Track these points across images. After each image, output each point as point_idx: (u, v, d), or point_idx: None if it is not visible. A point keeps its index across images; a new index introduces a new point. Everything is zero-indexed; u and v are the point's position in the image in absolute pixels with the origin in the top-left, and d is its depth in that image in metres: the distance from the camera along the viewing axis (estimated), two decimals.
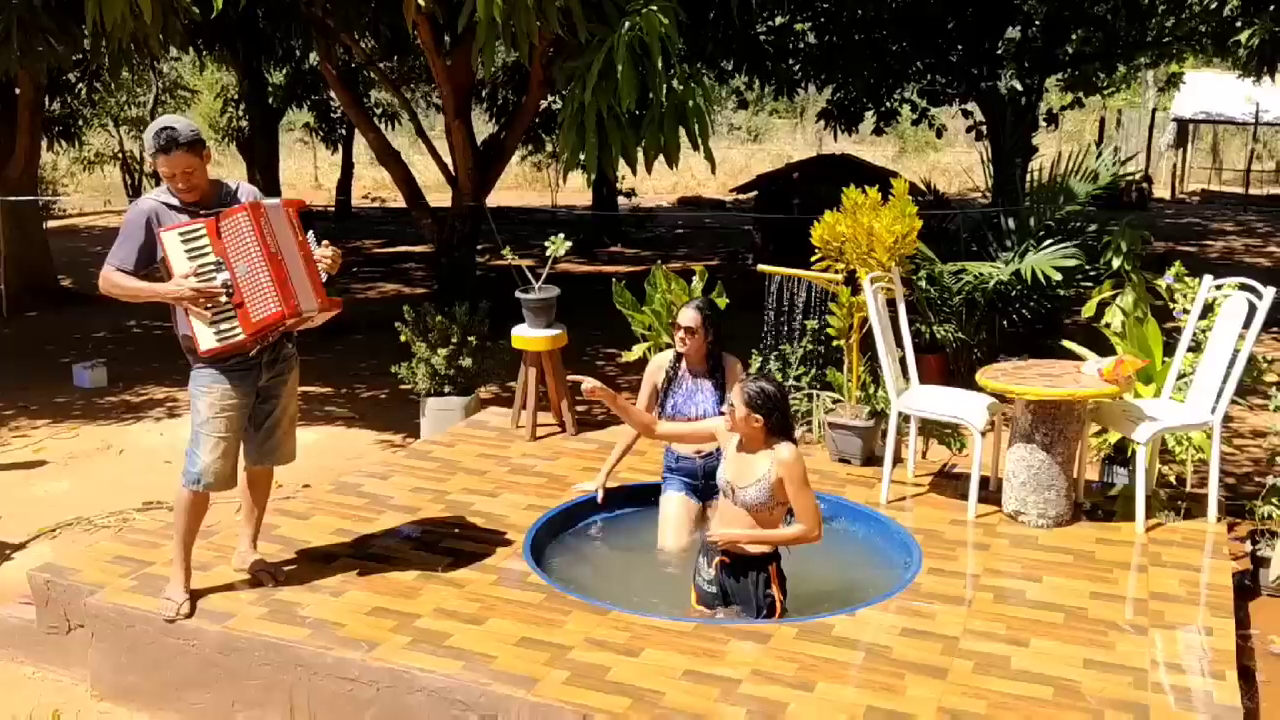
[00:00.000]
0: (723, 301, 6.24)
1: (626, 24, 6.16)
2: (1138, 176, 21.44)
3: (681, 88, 6.43)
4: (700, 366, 4.97)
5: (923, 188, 11.24)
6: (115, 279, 3.93)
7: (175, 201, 3.95)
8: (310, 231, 4.08)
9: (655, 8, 6.17)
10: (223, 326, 3.88)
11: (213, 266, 3.86)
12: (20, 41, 8.11)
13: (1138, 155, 24.41)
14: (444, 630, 3.94)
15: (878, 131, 14.87)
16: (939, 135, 15.42)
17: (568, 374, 6.25)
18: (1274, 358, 6.08)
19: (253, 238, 3.85)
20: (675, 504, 4.92)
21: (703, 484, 4.89)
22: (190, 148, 3.86)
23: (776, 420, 4.03)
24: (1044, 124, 13.81)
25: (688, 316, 4.92)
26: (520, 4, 6.10)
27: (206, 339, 3.88)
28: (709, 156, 6.77)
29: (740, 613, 4.13)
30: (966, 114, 13.90)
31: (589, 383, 4.32)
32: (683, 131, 6.63)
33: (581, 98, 6.33)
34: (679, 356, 4.99)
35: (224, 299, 3.86)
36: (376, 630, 3.93)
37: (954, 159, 26.38)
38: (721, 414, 4.66)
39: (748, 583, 4.11)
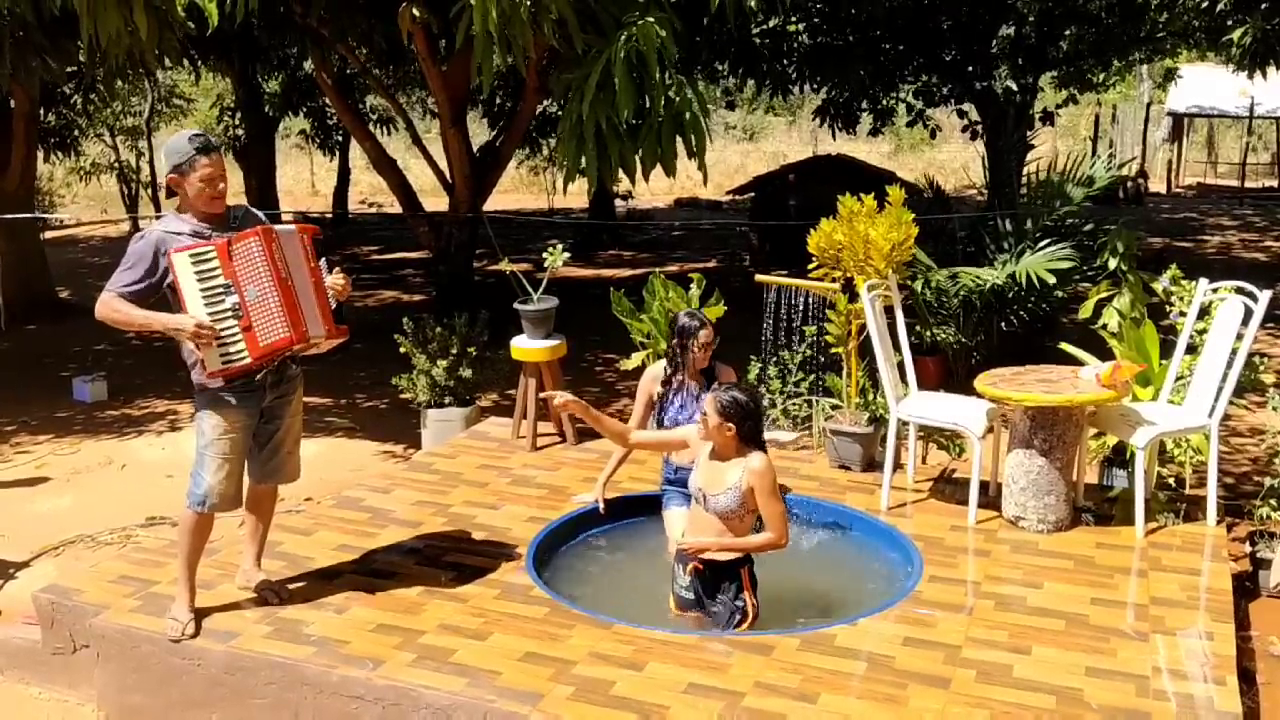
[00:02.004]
0: (720, 309, 6.28)
1: (623, 36, 6.17)
2: (1133, 172, 21.45)
3: (678, 98, 6.44)
4: (698, 377, 4.98)
5: (923, 185, 11.25)
6: (115, 304, 3.90)
7: (184, 229, 3.96)
8: (323, 259, 4.10)
9: (651, 19, 6.17)
10: (229, 350, 3.89)
11: (222, 289, 3.87)
12: (13, 57, 8.11)
13: (1134, 153, 24.45)
14: (448, 646, 3.96)
15: (874, 132, 14.88)
16: (933, 136, 15.42)
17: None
18: (1271, 355, 6.13)
19: (264, 262, 3.87)
20: (679, 518, 4.93)
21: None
22: (220, 153, 3.96)
23: (748, 428, 4.07)
24: (1040, 123, 13.82)
25: (708, 334, 4.90)
26: (515, 16, 6.11)
27: (212, 361, 3.89)
28: (702, 167, 6.78)
29: (711, 623, 4.16)
30: (962, 114, 13.91)
31: (560, 397, 4.35)
32: (679, 141, 6.64)
33: (579, 109, 6.33)
34: (675, 368, 4.98)
35: (231, 322, 3.88)
36: (381, 647, 3.95)
37: (950, 156, 26.40)
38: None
39: (719, 590, 4.14)
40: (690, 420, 4.85)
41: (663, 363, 5.08)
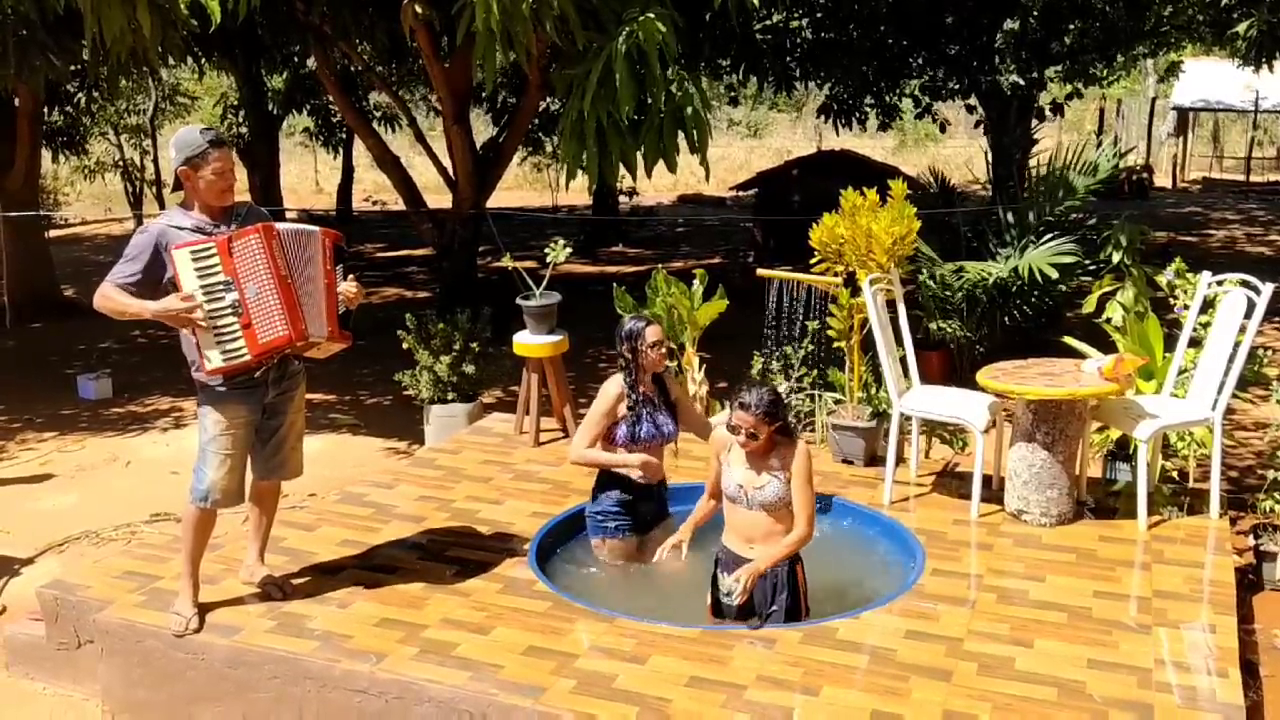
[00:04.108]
0: (723, 304, 6.28)
1: (624, 32, 6.17)
2: (1138, 166, 21.42)
3: (680, 94, 6.44)
4: (651, 388, 4.79)
5: (926, 181, 11.19)
6: (110, 293, 3.90)
7: (186, 223, 3.97)
8: (340, 265, 4.11)
9: (652, 15, 6.17)
10: (229, 347, 3.89)
11: (221, 286, 3.88)
12: (16, 56, 8.13)
13: (1138, 144, 24.40)
14: (451, 640, 3.97)
15: (883, 127, 14.84)
16: (942, 130, 15.38)
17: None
18: (1275, 348, 6.12)
19: (264, 259, 3.87)
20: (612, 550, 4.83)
21: (637, 518, 4.77)
22: (229, 148, 4.00)
23: (783, 416, 4.05)
24: (1048, 114, 13.78)
25: (655, 332, 4.69)
26: (517, 12, 6.11)
27: (213, 359, 3.90)
28: (704, 163, 6.78)
29: (760, 622, 4.11)
30: (970, 109, 13.88)
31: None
32: (681, 137, 6.64)
33: (581, 106, 6.34)
34: (633, 384, 4.70)
35: (231, 319, 3.89)
36: (384, 641, 3.96)
37: (955, 151, 26.35)
38: (664, 437, 4.77)
39: (775, 591, 4.10)
40: (658, 433, 4.73)
41: (619, 378, 4.76)
